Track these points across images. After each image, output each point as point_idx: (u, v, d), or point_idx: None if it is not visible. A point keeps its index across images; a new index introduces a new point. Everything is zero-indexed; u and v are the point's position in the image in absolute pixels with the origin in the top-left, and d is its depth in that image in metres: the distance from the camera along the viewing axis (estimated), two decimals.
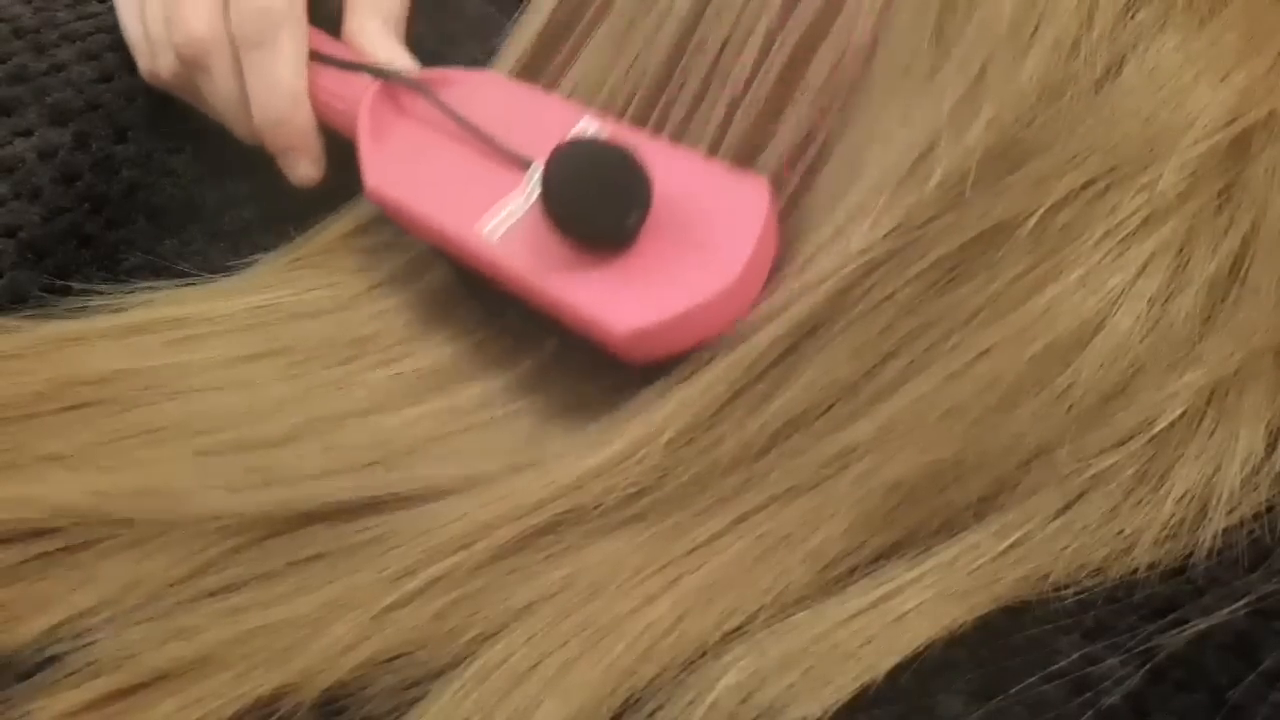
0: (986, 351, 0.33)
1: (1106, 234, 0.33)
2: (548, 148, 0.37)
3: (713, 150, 0.38)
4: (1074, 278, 0.33)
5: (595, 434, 0.35)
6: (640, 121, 0.40)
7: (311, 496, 0.34)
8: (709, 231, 0.36)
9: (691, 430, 0.33)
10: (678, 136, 0.39)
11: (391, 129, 0.43)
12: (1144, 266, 0.33)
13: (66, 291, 0.41)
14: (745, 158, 0.38)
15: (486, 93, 0.43)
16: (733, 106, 0.38)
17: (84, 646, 0.31)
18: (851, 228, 0.34)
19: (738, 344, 0.34)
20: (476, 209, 0.40)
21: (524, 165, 0.39)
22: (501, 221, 0.39)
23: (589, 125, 0.40)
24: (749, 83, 0.37)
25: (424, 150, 0.43)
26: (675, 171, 0.37)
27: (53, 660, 0.31)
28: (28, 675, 0.30)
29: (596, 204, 0.37)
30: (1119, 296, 0.33)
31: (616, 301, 0.36)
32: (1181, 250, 0.33)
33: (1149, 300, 0.33)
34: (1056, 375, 0.33)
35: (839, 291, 0.34)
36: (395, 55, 0.46)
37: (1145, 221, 0.33)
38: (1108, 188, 0.33)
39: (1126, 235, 0.33)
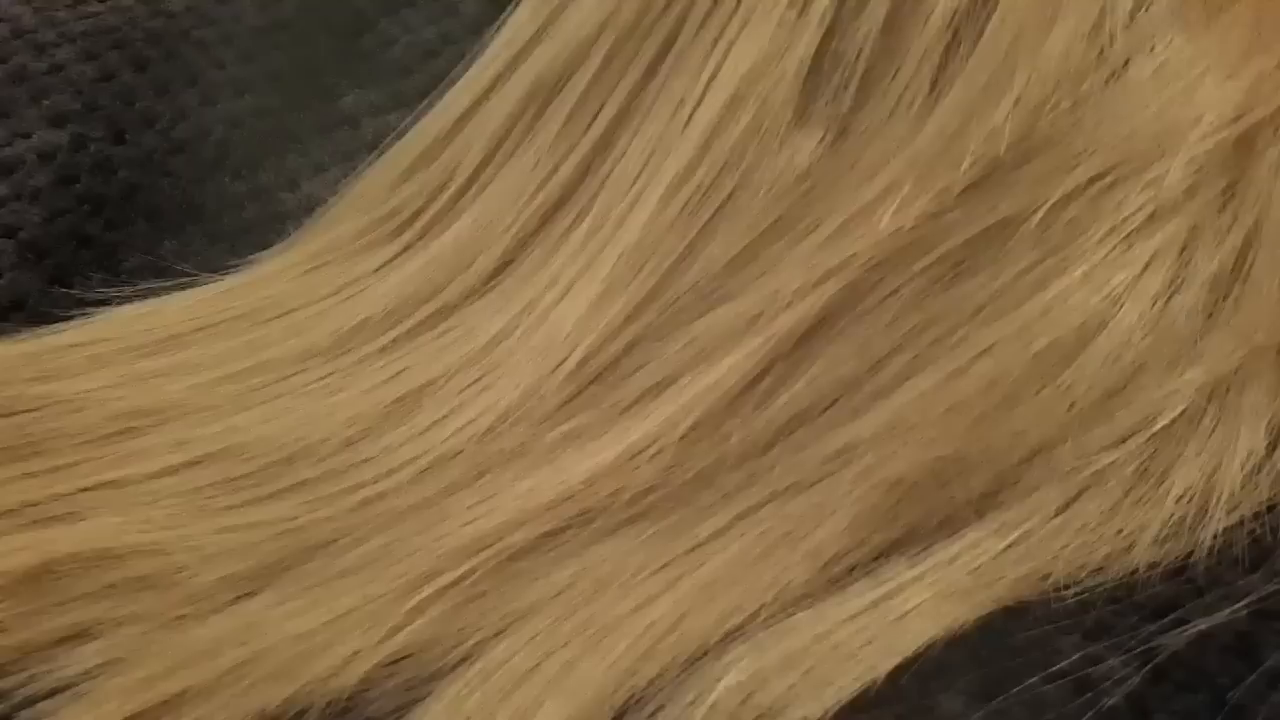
0: (990, 348, 0.33)
1: (1112, 230, 0.33)
2: None
3: None
4: (1078, 274, 0.33)
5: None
6: None
7: None
8: None
9: (703, 424, 0.33)
10: None
11: None
12: (1148, 263, 0.33)
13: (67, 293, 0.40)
14: None
15: None
16: None
17: (95, 668, 0.31)
18: (881, 205, 0.34)
19: (749, 333, 0.34)
20: None
21: None
22: None
23: None
24: None
25: None
26: None
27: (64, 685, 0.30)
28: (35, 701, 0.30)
29: None
30: (1123, 294, 0.33)
31: None
32: (1185, 247, 0.33)
33: (1152, 297, 0.33)
34: (1059, 372, 0.32)
35: (849, 285, 0.33)
36: None
37: (1150, 218, 0.33)
38: (1114, 183, 0.33)
39: (1131, 232, 0.33)
